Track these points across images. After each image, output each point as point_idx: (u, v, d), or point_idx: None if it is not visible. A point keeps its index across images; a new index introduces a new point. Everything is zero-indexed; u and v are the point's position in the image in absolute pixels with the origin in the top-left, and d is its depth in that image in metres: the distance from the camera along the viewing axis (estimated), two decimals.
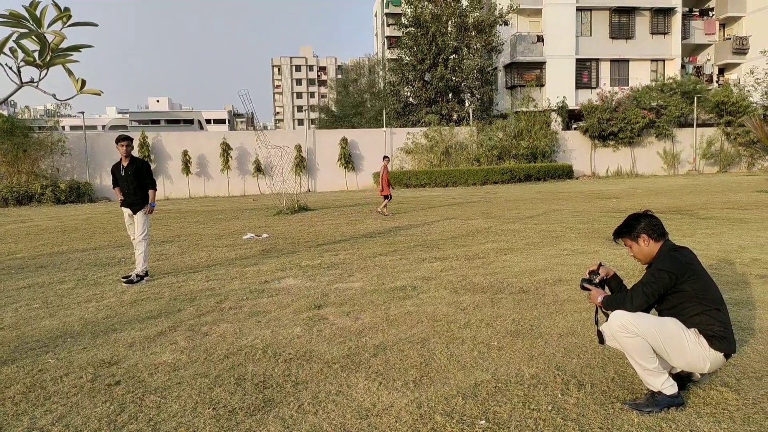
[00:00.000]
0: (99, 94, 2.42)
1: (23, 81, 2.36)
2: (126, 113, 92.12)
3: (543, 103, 31.39)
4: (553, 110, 30.57)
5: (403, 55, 32.86)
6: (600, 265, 3.46)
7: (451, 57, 31.41)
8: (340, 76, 76.60)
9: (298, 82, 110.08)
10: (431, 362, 3.90)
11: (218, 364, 4.00)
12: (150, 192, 7.25)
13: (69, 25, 2.20)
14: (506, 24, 31.74)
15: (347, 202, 18.63)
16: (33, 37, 2.20)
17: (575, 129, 31.04)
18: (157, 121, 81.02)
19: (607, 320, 3.29)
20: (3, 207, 21.65)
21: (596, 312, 3.43)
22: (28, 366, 4.05)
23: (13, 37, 2.22)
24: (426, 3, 31.40)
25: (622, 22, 34.53)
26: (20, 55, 2.31)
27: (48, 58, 2.24)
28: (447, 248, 8.67)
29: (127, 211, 7.22)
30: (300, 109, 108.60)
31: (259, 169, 25.95)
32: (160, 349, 4.36)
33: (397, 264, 7.51)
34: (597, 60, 34.66)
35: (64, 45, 2.32)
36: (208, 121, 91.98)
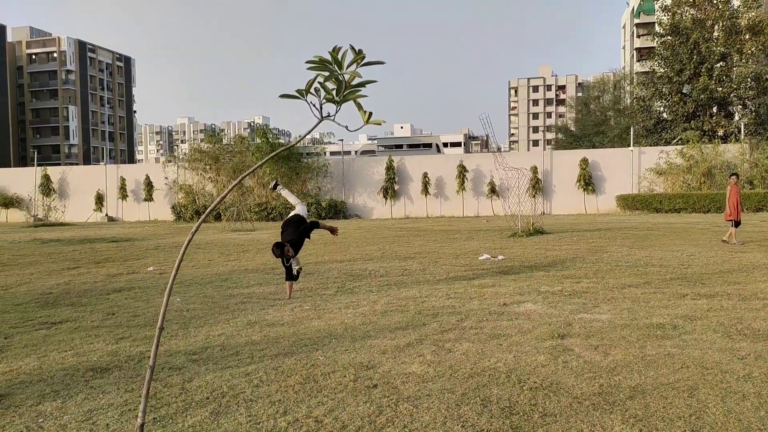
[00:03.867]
0: (381, 124, 2.70)
1: (323, 115, 2.74)
2: (374, 140, 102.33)
3: None
4: None
5: (657, 67, 29.94)
6: None
7: (717, 65, 27.50)
8: (580, 94, 73.18)
9: (535, 102, 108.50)
10: (703, 416, 3.38)
11: (463, 382, 4.08)
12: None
13: (362, 65, 2.51)
14: None
15: (586, 227, 17.54)
16: (333, 78, 2.56)
17: None
18: (400, 146, 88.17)
19: None
20: (279, 221, 25.75)
21: None
22: (303, 360, 4.69)
23: (319, 79, 2.60)
24: (686, 8, 28.13)
25: None
26: (322, 93, 2.68)
27: (343, 95, 2.58)
28: (714, 284, 7.50)
29: None
30: (535, 129, 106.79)
31: (493, 190, 26.17)
32: (409, 359, 4.64)
33: (651, 298, 6.76)
34: None
35: (353, 82, 2.64)
36: (445, 145, 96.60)
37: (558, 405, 3.61)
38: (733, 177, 12.84)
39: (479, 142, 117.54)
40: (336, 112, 2.71)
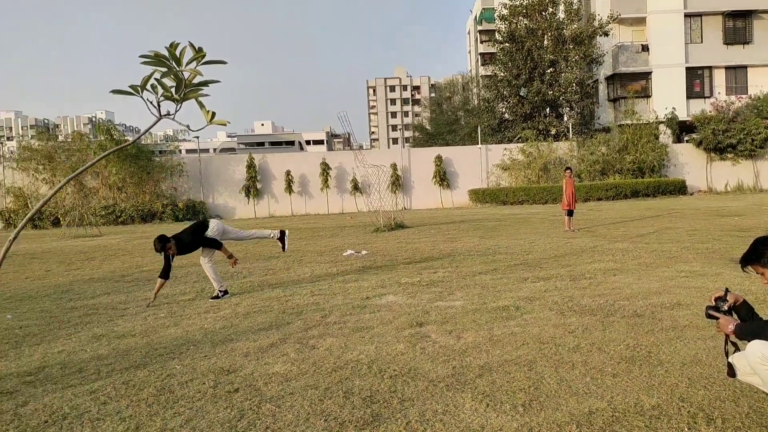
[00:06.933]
0: (225, 125, 2.63)
1: (162, 114, 2.60)
2: (234, 137, 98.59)
3: (649, 115, 29.65)
4: (662, 122, 28.78)
5: (498, 71, 32.51)
6: (726, 290, 3.19)
7: (548, 71, 30.64)
8: (433, 95, 77.12)
9: (393, 102, 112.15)
10: (540, 386, 3.78)
11: (326, 377, 4.13)
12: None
13: (202, 64, 2.43)
14: (606, 35, 30.47)
15: (443, 220, 18.61)
16: (172, 75, 2.45)
17: (687, 141, 28.99)
18: (262, 144, 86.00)
19: (735, 351, 3.02)
20: (130, 224, 23.87)
21: (725, 342, 3.16)
22: (158, 371, 4.42)
23: (156, 75, 2.47)
24: (520, 18, 30.93)
25: (737, 27, 31.92)
26: (159, 90, 2.55)
27: (183, 93, 2.48)
28: (550, 267, 8.39)
29: None
30: (394, 128, 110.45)
31: (356, 187, 26.65)
32: (273, 359, 4.58)
33: (498, 283, 7.38)
34: (710, 68, 32.24)
35: (195, 81, 2.55)
36: (308, 142, 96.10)
37: (415, 389, 3.81)
38: (568, 171, 14.41)
39: (341, 140, 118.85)
40: (176, 111, 2.59)
